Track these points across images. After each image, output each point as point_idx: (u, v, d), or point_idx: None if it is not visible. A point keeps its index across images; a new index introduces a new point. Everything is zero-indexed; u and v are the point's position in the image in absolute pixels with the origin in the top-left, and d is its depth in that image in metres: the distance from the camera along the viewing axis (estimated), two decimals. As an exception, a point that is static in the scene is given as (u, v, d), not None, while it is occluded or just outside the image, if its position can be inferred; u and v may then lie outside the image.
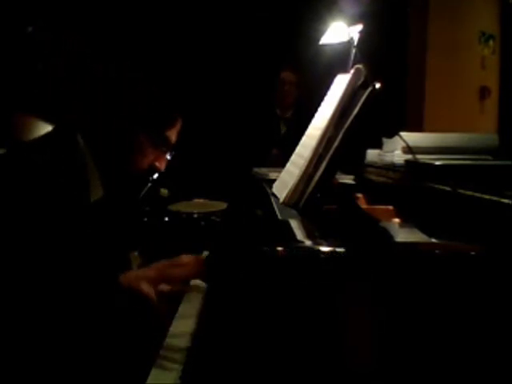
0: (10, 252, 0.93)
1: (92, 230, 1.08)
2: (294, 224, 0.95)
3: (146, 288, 1.02)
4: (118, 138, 1.12)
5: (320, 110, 1.27)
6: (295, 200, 1.09)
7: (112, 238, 1.25)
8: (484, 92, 3.90)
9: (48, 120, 1.16)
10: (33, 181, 0.99)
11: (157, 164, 1.20)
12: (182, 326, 1.14)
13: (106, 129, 1.12)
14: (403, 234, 0.96)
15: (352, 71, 1.14)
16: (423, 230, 0.96)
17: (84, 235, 1.04)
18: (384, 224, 1.03)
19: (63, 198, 1.01)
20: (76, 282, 0.98)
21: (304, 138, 1.28)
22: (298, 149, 1.29)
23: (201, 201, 2.42)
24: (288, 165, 1.30)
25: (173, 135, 1.21)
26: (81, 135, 1.10)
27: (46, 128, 1.16)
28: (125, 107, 1.11)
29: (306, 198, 1.08)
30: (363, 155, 1.60)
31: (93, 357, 0.98)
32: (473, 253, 0.79)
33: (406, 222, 1.05)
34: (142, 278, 1.04)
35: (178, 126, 1.21)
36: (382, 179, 1.43)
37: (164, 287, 1.05)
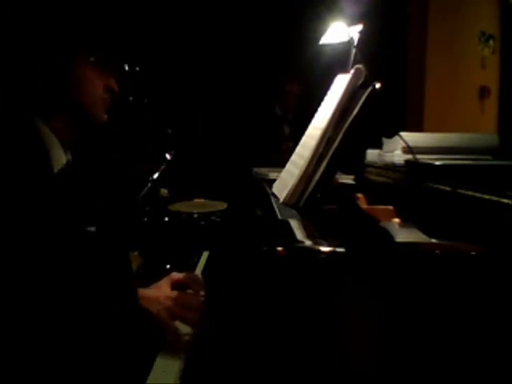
0: None
1: (63, 202, 1.00)
2: (294, 224, 0.95)
3: (171, 322, 1.03)
4: (57, 73, 1.01)
5: (320, 109, 1.27)
6: (295, 200, 1.09)
7: (109, 233, 1.22)
8: (484, 92, 3.90)
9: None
10: None
11: (110, 86, 1.09)
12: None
13: (38, 67, 1.00)
14: (403, 234, 0.96)
15: (352, 71, 1.14)
16: (423, 230, 0.96)
17: (54, 212, 0.96)
18: (384, 224, 1.03)
19: (22, 172, 0.92)
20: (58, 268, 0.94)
21: (304, 138, 1.28)
22: (298, 149, 1.29)
23: (201, 201, 2.42)
24: (288, 165, 1.30)
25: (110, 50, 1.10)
26: (22, 97, 1.02)
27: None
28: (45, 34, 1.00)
29: (305, 198, 1.08)
30: (363, 155, 1.60)
31: (93, 357, 0.98)
32: (473, 253, 0.79)
33: (406, 222, 1.05)
34: (164, 309, 1.04)
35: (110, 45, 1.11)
36: (382, 179, 1.43)
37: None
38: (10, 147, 0.94)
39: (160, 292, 1.09)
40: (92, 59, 1.04)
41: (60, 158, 1.04)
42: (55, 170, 1.02)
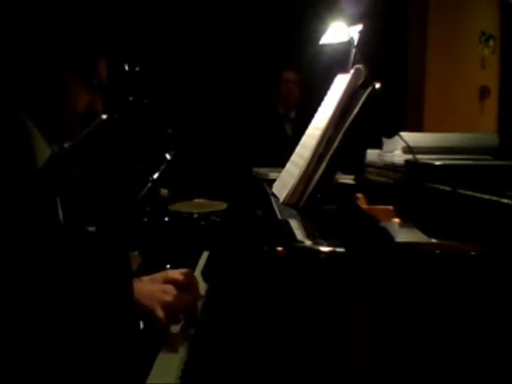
0: None
1: (48, 192, 1.01)
2: (294, 224, 0.95)
3: (162, 315, 1.03)
4: (45, 82, 1.03)
5: (320, 109, 1.27)
6: (295, 200, 1.09)
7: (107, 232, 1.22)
8: (484, 92, 3.90)
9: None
10: None
11: (94, 106, 1.11)
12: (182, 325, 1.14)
13: (28, 75, 1.03)
14: (403, 234, 0.96)
15: (352, 71, 1.14)
16: (423, 230, 0.96)
17: (39, 201, 0.96)
18: (384, 224, 1.03)
19: (5, 166, 0.92)
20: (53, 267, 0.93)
21: (304, 138, 1.28)
22: (298, 149, 1.29)
23: (201, 201, 2.42)
24: (288, 165, 1.30)
25: (101, 72, 1.11)
26: (7, 95, 1.02)
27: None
28: (40, 47, 1.02)
29: (305, 198, 1.08)
30: (363, 155, 1.60)
31: (93, 357, 0.98)
32: (473, 253, 0.79)
33: (406, 221, 1.05)
34: (158, 301, 1.04)
35: (103, 63, 1.11)
36: (382, 179, 1.43)
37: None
38: None
39: (153, 285, 1.09)
40: (80, 75, 1.06)
41: (44, 151, 1.04)
42: (39, 164, 1.02)
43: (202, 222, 2.18)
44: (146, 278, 1.11)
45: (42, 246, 0.94)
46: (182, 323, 1.10)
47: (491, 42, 3.87)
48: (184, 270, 1.15)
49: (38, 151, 1.02)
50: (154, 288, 1.08)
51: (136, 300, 1.03)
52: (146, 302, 1.03)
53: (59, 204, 1.05)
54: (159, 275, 1.12)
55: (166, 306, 1.04)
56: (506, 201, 0.89)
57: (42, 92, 1.04)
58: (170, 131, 3.24)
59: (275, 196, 1.22)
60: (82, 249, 1.05)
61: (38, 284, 0.92)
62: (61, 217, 1.05)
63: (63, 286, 0.95)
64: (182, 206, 2.32)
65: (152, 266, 1.87)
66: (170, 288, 1.08)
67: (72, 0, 1.08)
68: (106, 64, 1.12)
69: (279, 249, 0.79)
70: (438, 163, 1.20)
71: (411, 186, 1.23)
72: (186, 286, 1.11)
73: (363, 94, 1.06)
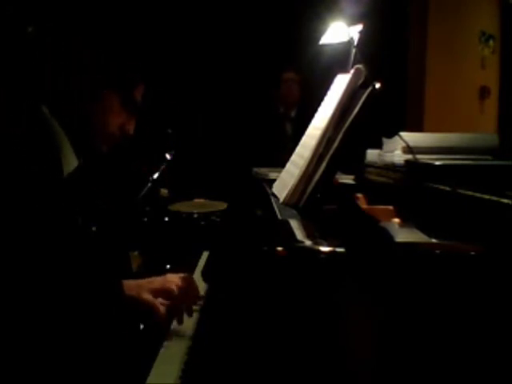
0: None
1: (71, 204, 1.03)
2: (294, 224, 0.95)
3: (162, 310, 1.05)
4: (87, 97, 1.07)
5: (320, 109, 1.27)
6: (295, 200, 1.09)
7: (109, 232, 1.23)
8: (484, 92, 3.90)
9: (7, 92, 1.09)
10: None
11: (126, 127, 1.14)
12: (183, 325, 1.14)
13: (71, 91, 1.06)
14: (403, 234, 0.96)
15: (352, 71, 1.14)
16: (423, 230, 0.96)
17: (63, 212, 0.99)
18: (384, 224, 1.03)
19: (33, 175, 0.95)
20: (66, 271, 0.95)
21: (304, 138, 1.28)
22: (298, 149, 1.29)
23: (201, 201, 2.42)
24: (288, 165, 1.30)
25: (138, 95, 1.15)
26: (44, 104, 1.05)
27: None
28: (88, 66, 1.05)
29: (305, 198, 1.08)
30: (363, 155, 1.60)
31: (93, 356, 0.98)
32: (473, 253, 0.79)
33: (406, 221, 1.05)
34: (145, 289, 1.07)
35: (142, 88, 1.15)
36: (382, 179, 1.43)
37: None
38: (21, 147, 0.95)
39: (153, 283, 1.11)
40: (119, 96, 1.09)
41: (71, 161, 1.07)
42: (65, 173, 1.04)
43: (202, 222, 2.18)
44: (144, 281, 1.12)
45: (61, 250, 0.95)
46: (182, 324, 1.11)
47: (491, 42, 3.87)
48: (182, 275, 1.17)
49: (65, 162, 1.04)
50: (154, 286, 1.10)
51: (136, 297, 1.05)
52: (146, 298, 1.05)
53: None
54: (158, 279, 1.14)
55: (165, 303, 1.07)
56: (506, 201, 0.89)
57: (79, 106, 1.06)
58: (169, 131, 3.24)
59: (275, 196, 1.22)
60: (86, 249, 1.06)
61: (44, 283, 0.93)
62: (79, 223, 1.07)
63: (67, 286, 0.96)
64: (182, 206, 2.32)
65: (152, 266, 1.87)
66: (169, 286, 1.11)
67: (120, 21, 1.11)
68: (143, 93, 1.15)
69: (279, 249, 0.79)
70: (437, 163, 1.20)
71: (411, 185, 1.23)
72: (184, 291, 1.12)
73: (363, 94, 1.06)
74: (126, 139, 1.15)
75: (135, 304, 1.05)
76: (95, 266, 1.05)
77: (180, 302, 1.11)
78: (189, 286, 1.16)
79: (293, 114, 3.60)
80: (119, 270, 1.17)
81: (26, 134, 0.98)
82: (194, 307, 1.16)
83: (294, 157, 1.29)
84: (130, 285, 1.07)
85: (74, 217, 1.04)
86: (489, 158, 1.39)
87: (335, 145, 1.07)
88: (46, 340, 0.93)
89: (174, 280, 1.13)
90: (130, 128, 1.14)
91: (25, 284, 0.91)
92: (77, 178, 1.08)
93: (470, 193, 0.98)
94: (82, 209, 1.10)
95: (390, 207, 1.19)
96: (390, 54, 3.76)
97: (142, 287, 1.08)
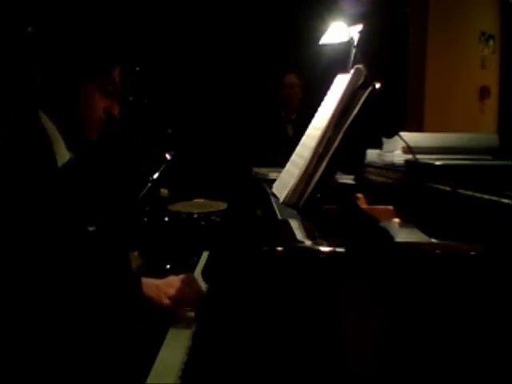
0: None
1: (68, 195, 1.08)
2: (294, 224, 0.95)
3: (167, 302, 1.13)
4: (65, 88, 1.11)
5: (320, 109, 1.27)
6: (295, 200, 1.09)
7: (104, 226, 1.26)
8: (484, 92, 3.89)
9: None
10: None
11: (111, 110, 1.18)
12: (183, 325, 1.14)
13: (50, 82, 1.11)
14: (403, 234, 0.96)
15: (352, 71, 1.14)
16: (423, 230, 0.96)
17: (59, 202, 1.03)
18: (384, 224, 1.03)
19: (28, 167, 0.99)
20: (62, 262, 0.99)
21: (304, 138, 1.28)
22: (298, 149, 1.29)
23: (201, 201, 2.42)
24: (288, 165, 1.30)
25: (117, 78, 1.18)
26: (35, 100, 1.10)
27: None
28: (62, 56, 1.10)
29: (306, 198, 1.08)
30: (363, 155, 1.60)
31: (93, 356, 0.98)
32: (473, 253, 0.79)
33: (406, 222, 1.05)
34: (163, 292, 1.14)
35: (118, 69, 1.18)
36: (381, 179, 1.43)
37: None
38: (14, 139, 1.01)
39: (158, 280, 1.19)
40: (98, 83, 1.14)
41: (63, 153, 1.11)
42: (59, 165, 1.09)
43: (202, 222, 2.18)
44: (161, 284, 1.18)
45: (51, 240, 0.97)
46: (182, 324, 1.12)
47: (491, 42, 3.86)
48: (183, 276, 1.20)
49: (59, 155, 1.10)
50: (159, 282, 1.18)
51: (144, 293, 1.12)
52: (153, 293, 1.13)
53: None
54: (160, 282, 1.19)
55: (170, 297, 1.14)
56: (506, 201, 0.89)
57: (65, 100, 1.11)
58: (170, 131, 3.24)
59: (275, 196, 1.22)
60: (84, 242, 1.08)
61: (44, 277, 0.95)
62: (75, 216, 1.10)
63: (68, 279, 0.97)
64: (182, 206, 2.33)
65: (152, 266, 1.87)
66: (173, 282, 1.18)
67: (88, 11, 1.15)
68: (122, 74, 1.19)
69: (279, 249, 0.79)
70: (438, 163, 1.20)
71: (411, 185, 1.23)
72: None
73: (363, 94, 1.06)
74: (113, 123, 1.19)
75: (152, 305, 1.12)
76: (93, 261, 1.07)
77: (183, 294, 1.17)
78: (190, 285, 1.17)
79: (294, 116, 3.60)
80: (119, 270, 1.17)
81: (19, 129, 1.03)
82: (190, 314, 1.18)
83: (294, 157, 1.29)
84: (149, 284, 1.14)
85: (71, 208, 1.08)
86: (489, 157, 1.39)
87: (335, 145, 1.07)
88: (46, 336, 0.93)
89: (175, 284, 1.16)
90: (115, 110, 1.18)
91: (17, 277, 0.92)
92: (74, 173, 1.13)
93: (469, 193, 0.98)
94: (80, 206, 1.13)
95: (390, 207, 1.19)
96: (390, 53, 3.76)
97: (160, 289, 1.15)
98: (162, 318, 1.13)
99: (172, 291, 1.15)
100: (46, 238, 0.96)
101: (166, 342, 1.07)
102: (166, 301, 1.13)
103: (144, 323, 1.12)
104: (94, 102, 1.13)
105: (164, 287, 1.16)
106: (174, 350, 1.03)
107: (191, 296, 1.17)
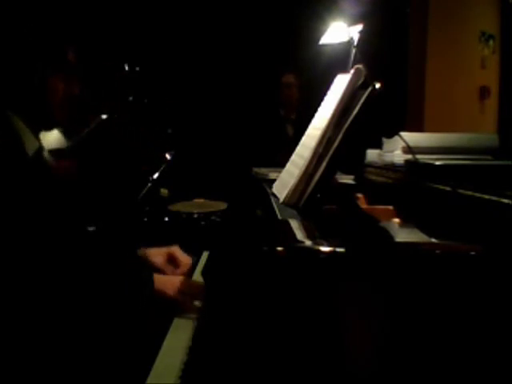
0: None
1: (38, 184, 1.10)
2: (294, 224, 0.95)
3: (173, 293, 1.17)
4: (26, 77, 1.13)
5: (320, 109, 1.27)
6: (295, 200, 1.09)
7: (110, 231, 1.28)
8: (484, 92, 3.89)
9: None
10: None
11: (70, 88, 1.20)
12: (183, 325, 1.14)
13: (10, 74, 1.12)
14: (403, 234, 0.96)
15: (352, 71, 1.14)
16: (423, 230, 0.96)
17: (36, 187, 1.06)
18: (384, 224, 1.03)
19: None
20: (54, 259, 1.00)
21: (304, 138, 1.28)
22: (298, 149, 1.29)
23: (201, 201, 2.42)
24: (288, 165, 1.30)
25: (70, 56, 1.20)
26: None
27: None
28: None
29: (306, 198, 1.08)
30: (363, 155, 1.60)
31: (93, 356, 0.98)
32: (473, 253, 0.79)
33: (406, 222, 1.05)
34: (170, 285, 1.18)
35: (71, 51, 1.20)
36: (381, 179, 1.43)
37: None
38: None
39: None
40: (57, 69, 1.16)
41: (32, 142, 1.14)
42: (30, 153, 1.11)
43: (202, 222, 2.18)
44: (167, 280, 1.22)
45: (36, 233, 1.00)
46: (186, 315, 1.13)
47: (491, 42, 3.86)
48: (181, 277, 1.24)
49: (27, 144, 1.12)
50: (166, 277, 1.23)
51: (166, 292, 1.16)
52: (160, 287, 1.16)
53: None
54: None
55: (176, 289, 1.17)
56: (506, 201, 0.89)
57: (25, 88, 1.13)
58: (170, 131, 3.24)
59: (275, 196, 1.22)
60: (87, 246, 1.09)
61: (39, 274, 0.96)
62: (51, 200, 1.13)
63: (71, 282, 0.98)
64: (182, 206, 2.32)
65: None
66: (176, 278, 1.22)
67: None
68: (75, 52, 1.21)
69: (279, 249, 0.79)
70: (438, 163, 1.20)
71: (411, 186, 1.23)
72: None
73: (363, 94, 1.06)
74: (74, 101, 1.21)
75: (162, 297, 1.16)
76: (93, 260, 1.08)
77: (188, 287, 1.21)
78: (190, 285, 1.21)
79: (293, 116, 3.61)
80: (125, 268, 1.18)
81: None
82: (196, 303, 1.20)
83: (294, 157, 1.29)
84: (160, 279, 1.18)
85: (42, 189, 1.10)
86: (489, 157, 1.39)
87: (335, 145, 1.07)
88: (47, 336, 0.93)
89: (175, 284, 1.17)
90: (74, 88, 1.21)
91: (12, 274, 0.94)
92: (40, 158, 1.15)
93: (470, 193, 0.98)
94: (75, 203, 1.15)
95: (390, 207, 1.19)
96: (390, 53, 3.76)
97: (167, 284, 1.18)
98: (166, 311, 1.16)
99: (178, 283, 1.19)
100: (24, 229, 0.98)
101: (165, 341, 1.07)
102: (174, 292, 1.17)
103: (148, 317, 1.14)
104: (53, 84, 1.16)
105: (170, 280, 1.21)
106: (173, 350, 1.02)
107: (197, 288, 1.22)
